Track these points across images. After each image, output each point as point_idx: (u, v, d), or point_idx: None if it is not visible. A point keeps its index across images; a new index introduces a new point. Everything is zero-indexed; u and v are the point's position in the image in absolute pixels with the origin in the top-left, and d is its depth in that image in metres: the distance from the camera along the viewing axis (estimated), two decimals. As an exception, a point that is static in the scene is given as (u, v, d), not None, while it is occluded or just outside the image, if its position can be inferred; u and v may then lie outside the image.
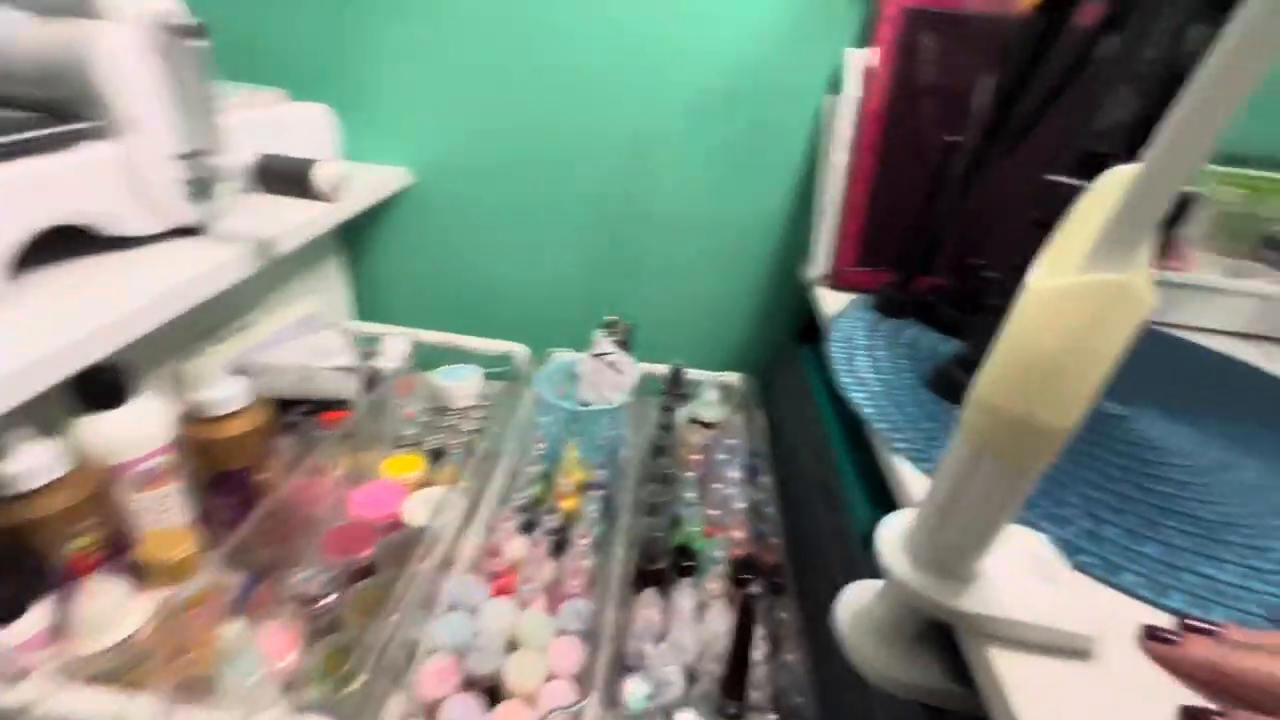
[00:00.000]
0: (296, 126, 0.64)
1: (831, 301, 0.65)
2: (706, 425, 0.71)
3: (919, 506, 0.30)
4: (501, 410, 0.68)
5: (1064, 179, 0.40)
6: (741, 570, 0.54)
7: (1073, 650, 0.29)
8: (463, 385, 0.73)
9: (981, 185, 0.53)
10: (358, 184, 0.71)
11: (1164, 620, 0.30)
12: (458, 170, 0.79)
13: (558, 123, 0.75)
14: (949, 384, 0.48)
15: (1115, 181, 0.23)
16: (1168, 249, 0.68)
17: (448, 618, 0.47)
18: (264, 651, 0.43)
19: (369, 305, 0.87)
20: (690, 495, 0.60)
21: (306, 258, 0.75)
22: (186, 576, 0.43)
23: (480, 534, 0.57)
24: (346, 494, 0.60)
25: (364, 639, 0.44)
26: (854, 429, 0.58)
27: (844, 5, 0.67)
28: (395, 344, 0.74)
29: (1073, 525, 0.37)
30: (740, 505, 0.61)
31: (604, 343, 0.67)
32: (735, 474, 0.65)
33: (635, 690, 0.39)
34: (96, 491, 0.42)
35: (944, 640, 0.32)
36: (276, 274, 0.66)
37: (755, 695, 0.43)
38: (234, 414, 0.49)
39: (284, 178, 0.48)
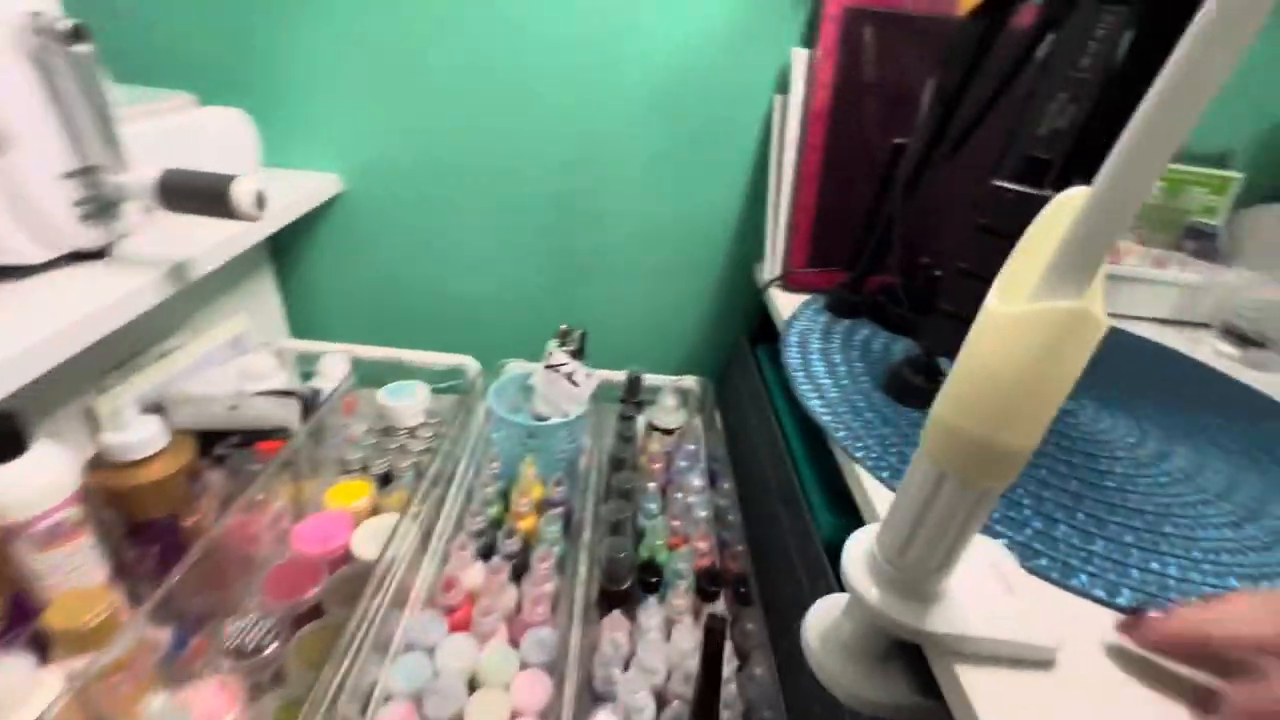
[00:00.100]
0: (210, 134, 0.59)
1: (785, 303, 0.65)
2: (665, 432, 0.70)
3: (882, 527, 0.30)
4: (452, 428, 0.65)
5: (1009, 185, 0.41)
6: (707, 583, 0.53)
7: (1037, 661, 0.29)
8: (410, 403, 0.70)
9: (928, 186, 0.54)
10: (284, 193, 0.66)
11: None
12: (393, 175, 0.75)
13: (499, 124, 0.72)
14: (902, 386, 0.49)
15: (1068, 205, 0.23)
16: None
17: (404, 659, 0.45)
18: (199, 716, 0.39)
19: (304, 322, 0.82)
20: (652, 507, 0.59)
21: (231, 274, 0.70)
22: (104, 641, 0.39)
23: (435, 563, 0.55)
24: (288, 529, 0.57)
25: (312, 691, 0.41)
26: (812, 430, 0.58)
27: (790, 4, 0.67)
28: (334, 362, 0.70)
29: (1027, 528, 0.37)
30: (703, 514, 0.60)
31: (558, 353, 0.65)
32: (697, 481, 0.64)
33: (605, 724, 0.38)
34: (-9, 555, 0.38)
35: (911, 656, 0.32)
36: (197, 294, 0.61)
37: (726, 715, 0.42)
38: (151, 457, 0.45)
39: (197, 195, 0.44)
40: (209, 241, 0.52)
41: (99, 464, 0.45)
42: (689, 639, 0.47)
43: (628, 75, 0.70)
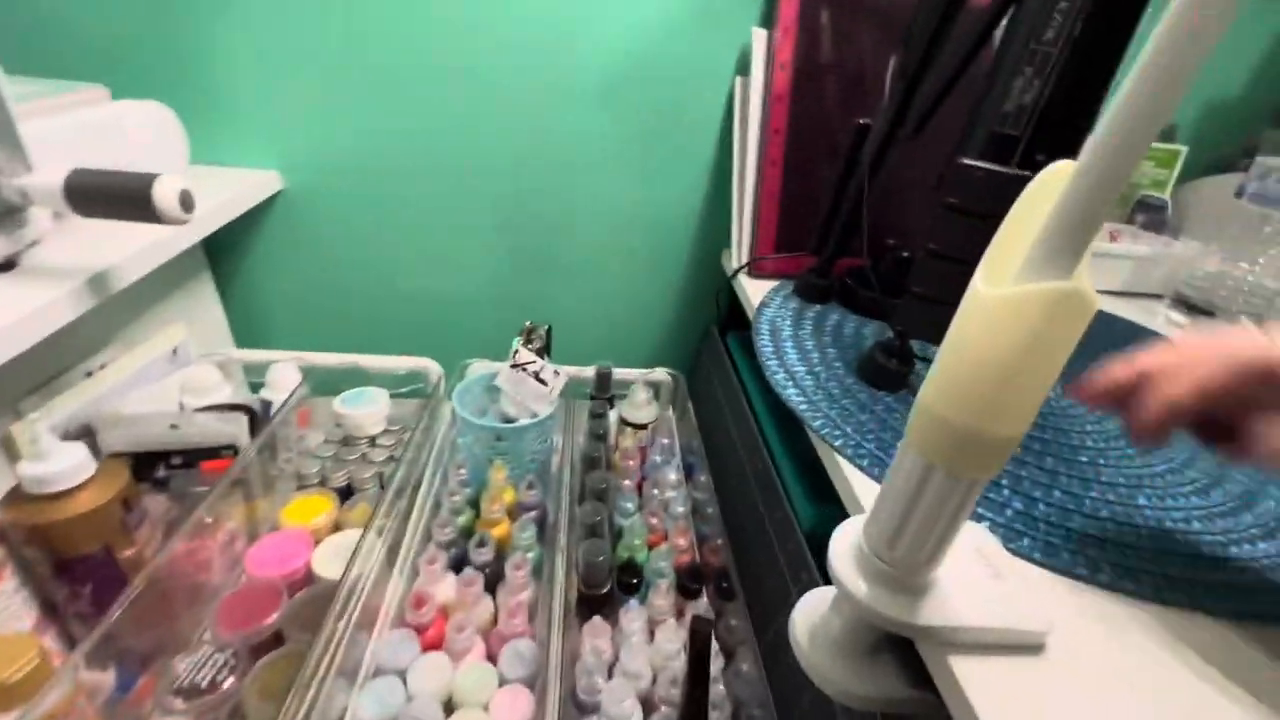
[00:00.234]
0: (129, 131, 0.54)
1: (754, 290, 0.64)
2: (638, 427, 0.69)
3: (868, 521, 0.29)
4: (416, 435, 0.62)
5: (976, 163, 0.40)
6: (689, 580, 0.52)
7: (1027, 646, 0.29)
8: (369, 411, 0.66)
9: (893, 166, 0.53)
10: (218, 192, 0.61)
11: (1100, 598, 0.31)
12: (338, 170, 0.70)
13: (450, 115, 0.69)
14: (876, 371, 0.48)
15: (1055, 179, 0.22)
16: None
17: (373, 685, 0.42)
18: (148, 765, 0.36)
19: (250, 330, 0.77)
20: (629, 505, 0.58)
21: (163, 282, 0.65)
22: (34, 693, 0.35)
23: (404, 579, 0.52)
24: (242, 553, 0.53)
25: (274, 726, 0.38)
26: (787, 418, 0.58)
27: (747, -18, 0.65)
28: (284, 371, 0.66)
29: (1008, 509, 0.37)
30: (681, 509, 0.59)
31: (523, 351, 0.62)
32: (672, 476, 0.63)
33: (591, 739, 0.36)
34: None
35: (902, 648, 0.32)
36: (125, 305, 0.56)
37: (715, 716, 0.41)
38: (77, 487, 0.41)
39: (113, 197, 0.40)
40: (132, 248, 0.48)
41: (17, 497, 0.41)
42: (673, 640, 0.46)
43: (583, 60, 0.67)
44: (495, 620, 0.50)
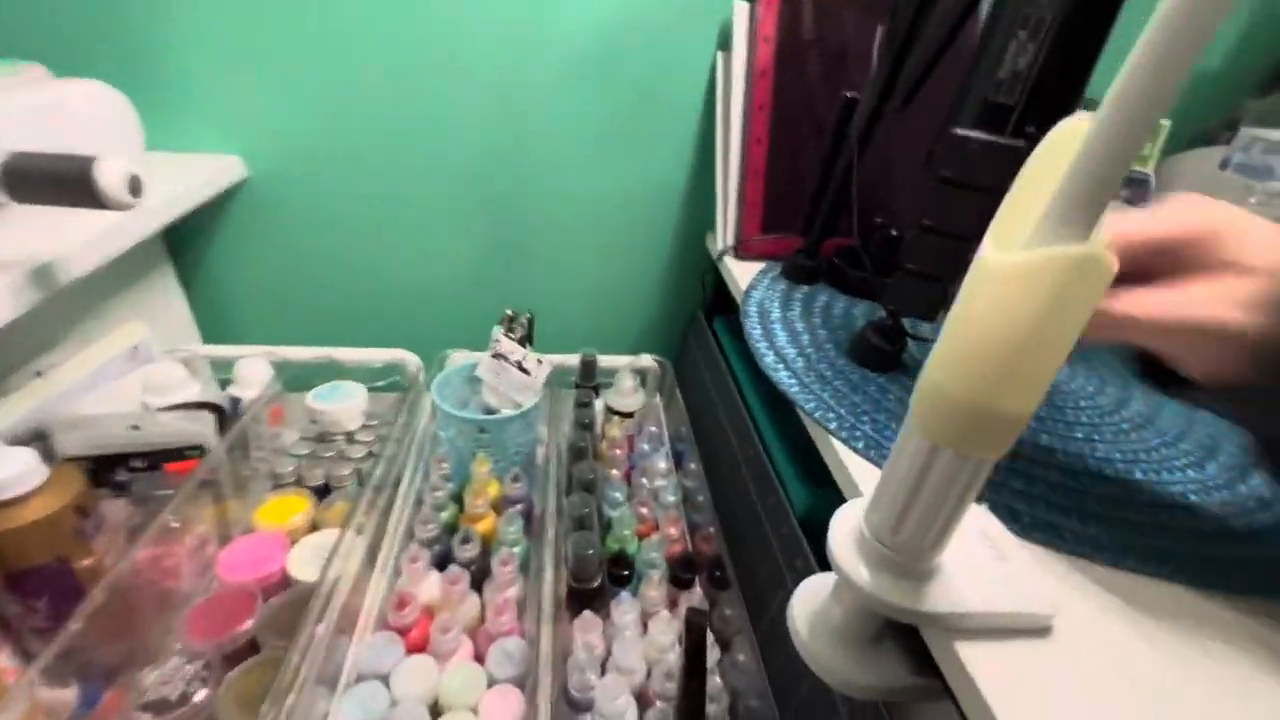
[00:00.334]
0: (74, 113, 0.51)
1: (741, 273, 0.63)
2: (625, 415, 0.67)
3: (870, 506, 0.28)
4: (394, 429, 0.60)
5: (970, 134, 0.39)
6: (681, 570, 0.51)
7: (1034, 630, 0.28)
8: (345, 405, 0.64)
9: (883, 140, 0.51)
10: (176, 179, 0.58)
11: (1104, 577, 0.31)
12: (305, 156, 0.67)
13: (419, 99, 0.66)
14: (868, 351, 0.47)
15: (1069, 136, 0.20)
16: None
17: (355, 691, 0.40)
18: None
19: (216, 325, 0.74)
20: (617, 495, 0.56)
21: (119, 275, 0.61)
22: (-14, 715, 0.33)
23: (386, 579, 0.50)
24: (214, 557, 0.51)
25: (251, 738, 0.36)
26: (777, 402, 0.56)
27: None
28: (254, 367, 0.63)
29: (1006, 488, 0.36)
30: (671, 498, 0.57)
31: (505, 340, 0.60)
32: (661, 464, 0.61)
33: (585, 739, 0.35)
34: None
35: (904, 634, 0.31)
36: (77, 300, 0.53)
37: (712, 709, 0.40)
38: (26, 495, 0.38)
39: (53, 181, 0.37)
40: (79, 238, 0.45)
41: (-38, 508, 0.38)
42: (667, 633, 0.45)
43: (558, 37, 0.64)
44: (482, 619, 0.48)
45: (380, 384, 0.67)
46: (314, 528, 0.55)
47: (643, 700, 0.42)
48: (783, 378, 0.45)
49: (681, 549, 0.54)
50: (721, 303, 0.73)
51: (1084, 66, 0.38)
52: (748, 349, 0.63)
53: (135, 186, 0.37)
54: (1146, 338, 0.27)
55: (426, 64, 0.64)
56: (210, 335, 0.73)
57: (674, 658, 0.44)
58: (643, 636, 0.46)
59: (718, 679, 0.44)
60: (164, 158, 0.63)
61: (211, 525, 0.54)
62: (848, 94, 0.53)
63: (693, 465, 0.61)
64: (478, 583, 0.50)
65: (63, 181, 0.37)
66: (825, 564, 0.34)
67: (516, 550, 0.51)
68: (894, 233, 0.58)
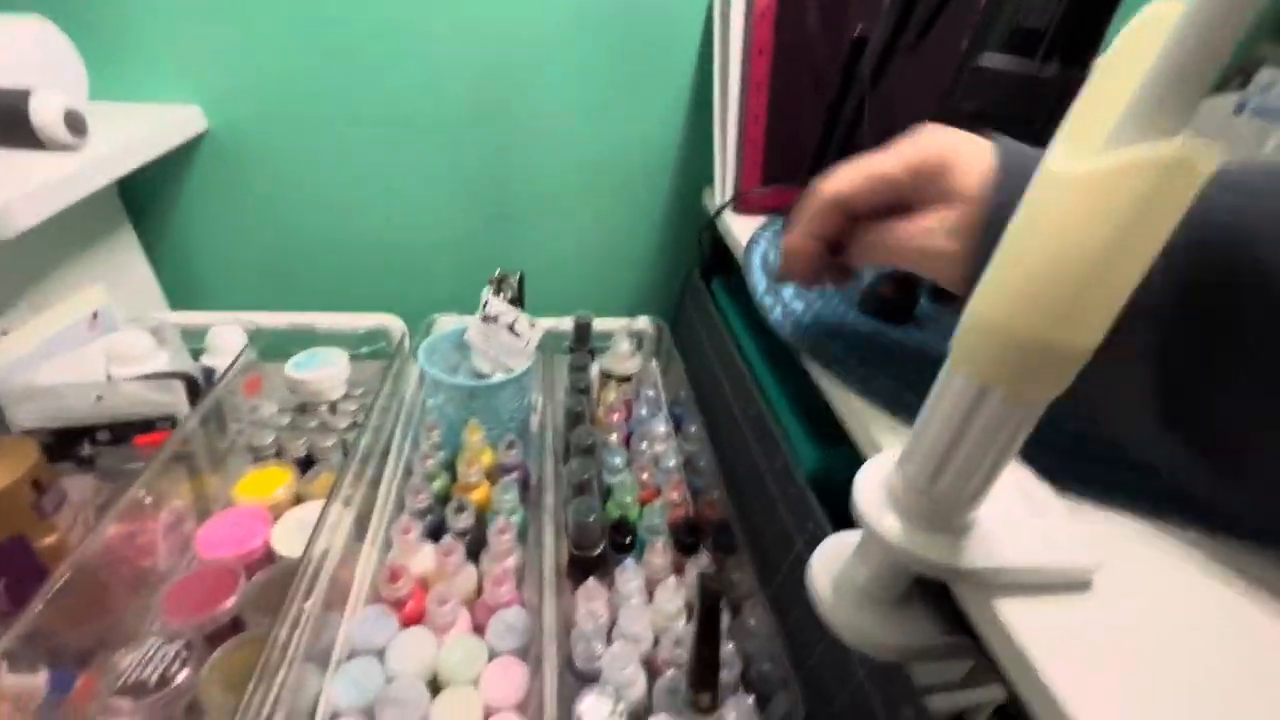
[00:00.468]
0: (6, 49, 0.46)
1: (740, 228, 0.60)
2: (622, 379, 0.65)
3: (904, 456, 0.26)
4: (380, 398, 0.57)
5: (996, 63, 0.36)
6: (685, 535, 0.49)
7: (1075, 585, 0.26)
8: (326, 373, 0.60)
9: (894, 80, 0.48)
10: (127, 130, 0.53)
11: (1144, 528, 0.29)
12: (271, 105, 0.62)
13: (396, 42, 0.61)
14: (881, 302, 0.45)
15: (1154, 22, 0.17)
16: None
17: (349, 667, 0.38)
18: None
19: (184, 290, 0.69)
20: (617, 461, 0.54)
21: (73, 235, 0.57)
22: (-59, 706, 0.30)
23: (377, 552, 0.48)
24: (192, 533, 0.48)
25: (237, 717, 0.34)
26: (781, 361, 0.54)
27: (722, -122, 0.58)
28: (226, 335, 0.60)
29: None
30: (672, 463, 0.55)
31: (495, 302, 0.57)
32: (661, 428, 0.59)
33: (596, 711, 0.33)
34: None
35: (932, 592, 0.29)
36: (23, 263, 0.49)
37: (724, 674, 0.38)
38: (-26, 468, 0.35)
39: (-19, 119, 0.33)
40: (22, 190, 0.40)
41: (-96, 484, 0.34)
42: (674, 600, 0.43)
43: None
44: (479, 590, 0.46)
45: (363, 351, 0.64)
46: (297, 501, 0.52)
47: (651, 669, 0.41)
48: (790, 334, 0.43)
49: (684, 514, 0.52)
50: (719, 263, 0.70)
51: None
52: (748, 309, 0.61)
53: (76, 123, 0.33)
54: (895, 263, 0.31)
55: (407, 8, 0.59)
56: (178, 302, 0.69)
57: (682, 625, 0.42)
58: (648, 604, 0.44)
59: (730, 645, 0.42)
60: (116, 107, 0.58)
61: (188, 501, 0.51)
62: (858, 31, 0.49)
63: (693, 429, 0.59)
64: (473, 553, 0.48)
65: (-8, 118, 0.33)
66: (839, 525, 0.33)
67: (514, 519, 0.49)
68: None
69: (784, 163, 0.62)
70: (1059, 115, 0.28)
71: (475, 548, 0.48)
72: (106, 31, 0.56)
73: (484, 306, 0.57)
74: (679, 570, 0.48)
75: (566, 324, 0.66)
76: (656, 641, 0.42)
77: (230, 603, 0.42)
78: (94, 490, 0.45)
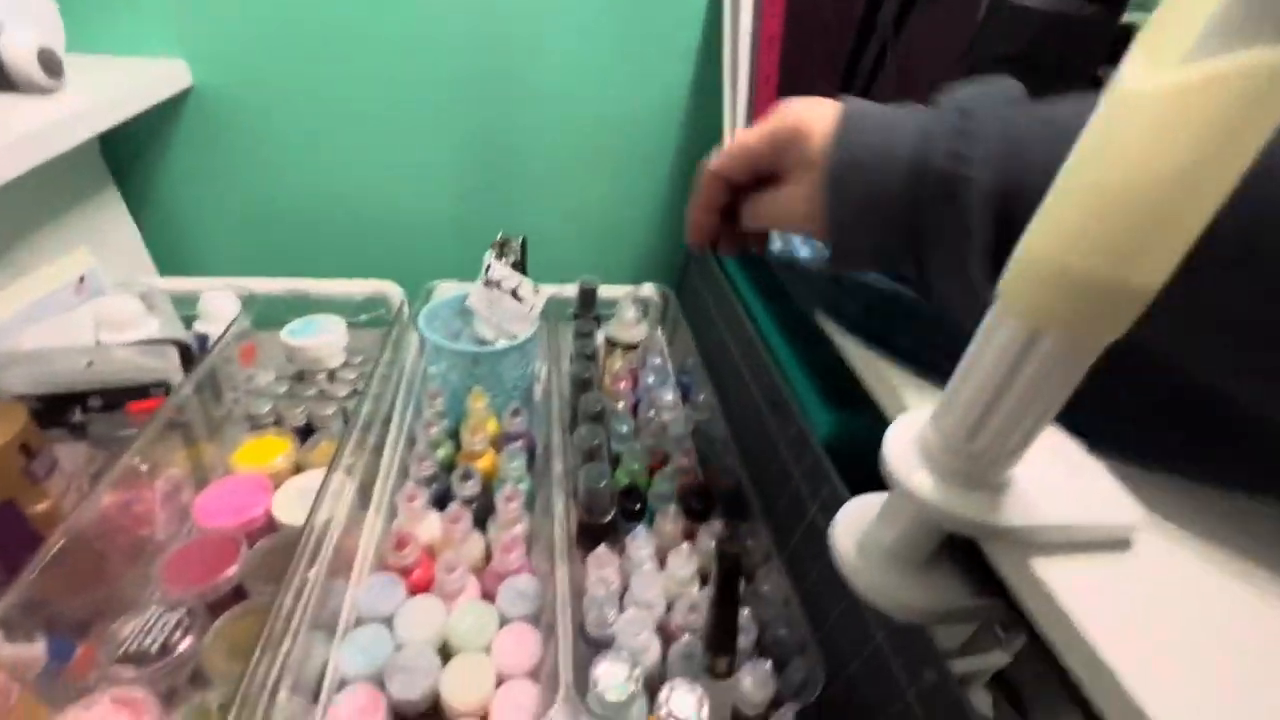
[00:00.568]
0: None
1: (751, 190, 0.57)
2: (628, 347, 0.63)
3: (940, 410, 0.24)
4: (380, 365, 0.55)
5: (1032, 2, 0.34)
6: (695, 502, 0.48)
7: (1114, 543, 0.25)
8: (324, 340, 0.59)
9: (919, 23, 0.46)
10: (108, 85, 0.51)
11: (1184, 486, 0.28)
12: (262, 59, 0.59)
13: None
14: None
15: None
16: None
17: (356, 635, 0.37)
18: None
19: (173, 255, 0.67)
20: (624, 429, 0.53)
21: (55, 195, 0.54)
22: (-66, 675, 0.29)
23: (382, 519, 0.47)
24: (189, 501, 0.47)
25: (243, 688, 0.33)
26: (793, 325, 0.53)
27: None
28: (219, 300, 0.58)
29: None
30: (680, 430, 0.54)
31: (497, 267, 0.55)
32: (669, 396, 0.58)
33: (612, 676, 0.32)
34: None
35: (962, 552, 0.28)
36: (10, 219, 0.47)
37: (740, 639, 0.38)
38: (-42, 432, 0.33)
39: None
40: (-3, 139, 0.38)
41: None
42: (686, 566, 0.42)
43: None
44: (487, 558, 0.45)
45: (361, 319, 0.62)
46: (297, 470, 0.51)
47: (664, 635, 0.40)
48: (806, 294, 0.41)
49: (693, 480, 0.51)
50: (726, 227, 0.68)
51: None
52: (756, 274, 0.59)
53: (51, 64, 0.31)
54: (772, 228, 0.33)
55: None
56: (167, 267, 0.67)
57: (695, 591, 0.42)
58: (660, 571, 0.43)
59: (745, 610, 0.42)
60: (95, 60, 0.55)
61: (184, 469, 0.49)
62: (880, -25, 0.47)
63: (702, 397, 0.58)
64: (479, 522, 0.47)
65: (-40, 55, 0.30)
66: (856, 489, 0.32)
67: (522, 487, 0.47)
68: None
69: (796, 121, 0.60)
70: (1097, 58, 0.26)
71: (482, 516, 0.47)
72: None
73: (486, 270, 0.55)
74: (690, 537, 0.47)
75: (570, 290, 0.64)
76: (669, 608, 0.41)
77: (232, 571, 0.41)
78: (87, 458, 0.44)
